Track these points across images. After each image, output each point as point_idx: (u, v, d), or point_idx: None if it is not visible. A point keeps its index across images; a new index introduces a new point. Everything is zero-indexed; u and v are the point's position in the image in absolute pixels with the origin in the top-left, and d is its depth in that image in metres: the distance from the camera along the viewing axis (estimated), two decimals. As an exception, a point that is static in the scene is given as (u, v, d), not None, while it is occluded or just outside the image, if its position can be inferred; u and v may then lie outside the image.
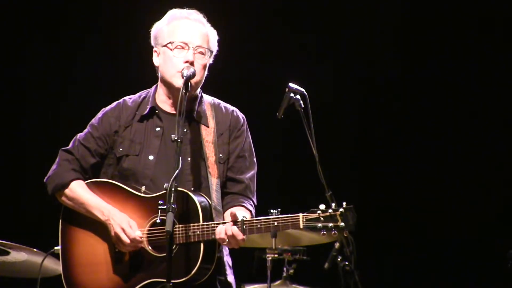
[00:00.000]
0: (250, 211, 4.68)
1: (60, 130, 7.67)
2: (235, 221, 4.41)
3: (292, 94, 4.57)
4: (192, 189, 4.62)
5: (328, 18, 7.97)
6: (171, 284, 4.22)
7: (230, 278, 4.72)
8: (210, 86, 4.86)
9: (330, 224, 4.28)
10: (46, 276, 5.44)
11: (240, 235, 4.40)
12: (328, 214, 4.29)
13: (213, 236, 4.43)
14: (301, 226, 4.33)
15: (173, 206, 4.25)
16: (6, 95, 7.76)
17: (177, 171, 4.29)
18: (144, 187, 4.64)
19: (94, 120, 4.82)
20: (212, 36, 4.75)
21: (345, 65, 7.98)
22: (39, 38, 7.79)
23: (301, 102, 4.55)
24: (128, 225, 4.52)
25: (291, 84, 4.59)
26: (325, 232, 4.27)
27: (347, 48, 7.99)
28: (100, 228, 4.61)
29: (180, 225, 4.46)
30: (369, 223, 7.70)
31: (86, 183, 4.71)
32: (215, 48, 4.77)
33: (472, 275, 7.71)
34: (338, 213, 4.27)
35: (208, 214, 4.52)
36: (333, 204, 4.30)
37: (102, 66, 7.80)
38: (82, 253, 4.65)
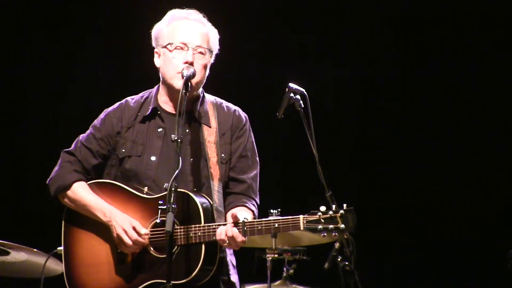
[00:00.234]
0: (253, 211, 4.68)
1: (60, 130, 7.67)
2: (235, 223, 4.41)
3: (292, 94, 4.56)
4: (195, 189, 4.62)
5: (328, 18, 7.97)
6: (171, 284, 4.22)
7: (234, 277, 4.72)
8: (210, 86, 4.86)
9: (331, 226, 4.29)
10: (46, 276, 5.44)
11: (240, 237, 4.40)
12: (328, 216, 4.30)
13: (214, 238, 4.43)
14: (302, 228, 4.34)
15: (173, 206, 4.24)
16: (6, 95, 7.76)
17: (177, 171, 4.29)
18: (146, 188, 4.64)
19: (96, 121, 4.82)
20: (212, 36, 4.75)
21: (345, 65, 7.97)
22: (39, 38, 7.79)
23: (301, 102, 4.55)
24: (130, 226, 4.52)
25: (291, 84, 4.59)
26: (325, 234, 4.29)
27: (347, 48, 7.99)
28: (102, 229, 4.62)
29: (181, 226, 4.46)
30: (369, 223, 7.70)
31: (88, 184, 4.71)
32: (216, 47, 4.76)
33: (472, 275, 7.71)
34: (338, 215, 4.28)
35: (210, 215, 4.52)
36: (334, 206, 4.31)
37: (102, 66, 7.80)
38: (85, 254, 4.66)
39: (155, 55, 4.77)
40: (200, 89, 4.80)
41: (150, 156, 4.70)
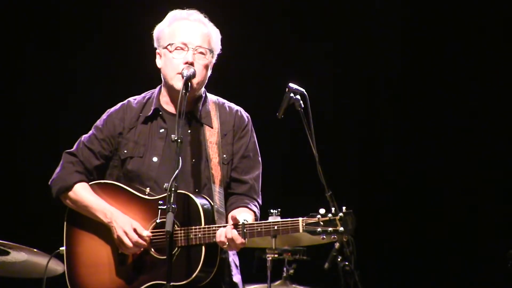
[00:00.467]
0: (254, 212, 4.68)
1: (60, 130, 7.66)
2: (235, 225, 4.41)
3: (292, 94, 4.56)
4: (197, 190, 4.62)
5: (328, 18, 7.97)
6: (171, 285, 4.22)
7: (236, 278, 4.72)
8: (210, 86, 4.86)
9: (330, 229, 4.30)
10: (47, 276, 5.43)
11: (239, 239, 4.40)
12: (327, 218, 4.30)
13: (214, 239, 4.43)
14: (301, 231, 4.35)
15: (173, 206, 4.24)
16: (7, 95, 7.76)
17: (177, 171, 4.29)
18: (148, 188, 4.64)
19: (98, 122, 4.82)
20: (214, 36, 4.74)
21: (345, 65, 7.97)
22: (39, 38, 7.79)
23: (301, 102, 4.55)
24: (131, 227, 4.52)
25: (291, 84, 4.58)
26: (324, 237, 4.29)
27: (347, 48, 7.98)
28: (103, 230, 4.62)
29: (182, 228, 4.46)
30: (369, 223, 7.70)
31: (90, 185, 4.71)
32: (217, 47, 4.76)
33: (472, 275, 7.70)
34: (337, 217, 4.29)
35: (210, 217, 4.52)
36: (333, 209, 4.31)
37: (102, 67, 7.80)
38: (86, 254, 4.66)
39: (157, 56, 4.77)
40: (202, 89, 4.79)
41: (152, 157, 4.69)
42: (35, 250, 5.37)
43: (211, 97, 4.85)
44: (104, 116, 4.83)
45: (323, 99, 7.60)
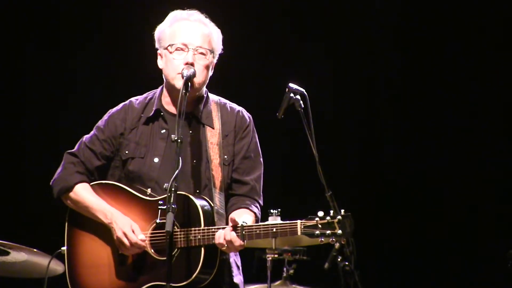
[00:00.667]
0: (255, 213, 4.68)
1: (60, 130, 7.66)
2: (234, 226, 4.41)
3: (292, 94, 4.56)
4: (197, 191, 4.62)
5: (328, 18, 7.97)
6: (170, 285, 4.23)
7: (237, 279, 4.72)
8: (210, 86, 4.86)
9: (328, 232, 4.30)
10: (45, 276, 5.43)
11: (237, 241, 4.40)
12: (325, 221, 4.31)
13: (213, 241, 4.43)
14: (299, 233, 4.35)
15: (173, 206, 4.24)
16: (7, 95, 7.76)
17: (177, 171, 4.29)
18: (149, 189, 4.64)
19: (100, 122, 4.81)
20: (215, 36, 4.74)
21: (345, 65, 7.97)
22: (39, 38, 7.79)
23: (301, 102, 4.55)
24: (130, 229, 4.52)
25: (291, 84, 4.58)
26: (323, 239, 4.30)
27: (347, 48, 7.98)
28: (104, 230, 4.62)
29: (182, 229, 4.46)
30: (369, 223, 7.70)
31: (91, 185, 4.72)
32: (219, 47, 4.75)
33: (472, 275, 7.70)
34: (335, 220, 4.29)
35: (210, 218, 4.51)
36: (331, 211, 4.31)
37: (102, 67, 7.80)
38: (86, 255, 4.66)
39: (158, 57, 4.77)
40: (204, 90, 4.79)
41: (153, 157, 4.69)
42: (35, 250, 5.37)
43: (213, 98, 4.84)
44: (105, 116, 4.83)
45: (323, 99, 7.59)
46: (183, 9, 4.78)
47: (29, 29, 7.74)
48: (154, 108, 4.77)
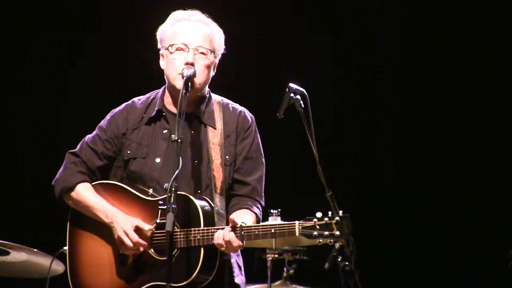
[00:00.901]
0: (256, 213, 4.67)
1: (60, 130, 7.66)
2: (233, 227, 4.41)
3: (292, 94, 4.56)
4: (198, 192, 4.62)
5: (329, 18, 7.97)
6: (170, 285, 4.23)
7: (238, 279, 4.71)
8: (210, 86, 4.85)
9: (326, 233, 4.30)
10: (45, 276, 5.43)
11: (236, 242, 4.40)
12: (323, 222, 4.31)
13: (212, 241, 4.43)
14: (297, 234, 4.35)
15: (173, 206, 4.24)
16: (7, 95, 7.76)
17: (177, 171, 4.28)
18: (151, 189, 4.64)
19: (102, 122, 4.81)
20: (217, 36, 4.73)
21: (346, 65, 7.97)
22: (39, 38, 7.79)
23: (301, 102, 4.54)
24: (131, 228, 4.52)
25: (291, 84, 4.58)
26: (321, 240, 4.31)
27: (348, 48, 7.98)
28: (105, 230, 4.62)
29: (182, 230, 4.46)
30: (369, 223, 7.70)
31: (93, 185, 4.72)
32: (220, 47, 4.74)
33: (472, 275, 7.70)
34: (333, 221, 4.29)
35: (210, 219, 4.51)
36: (329, 212, 4.31)
37: (102, 67, 7.80)
38: (88, 255, 4.66)
39: (160, 57, 4.76)
40: (207, 90, 4.79)
41: (155, 158, 4.69)
42: (35, 250, 5.37)
43: (215, 98, 4.84)
44: (108, 116, 4.83)
45: (323, 99, 7.59)
46: (185, 9, 4.78)
47: (29, 29, 7.74)
48: (156, 108, 4.77)
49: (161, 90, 4.84)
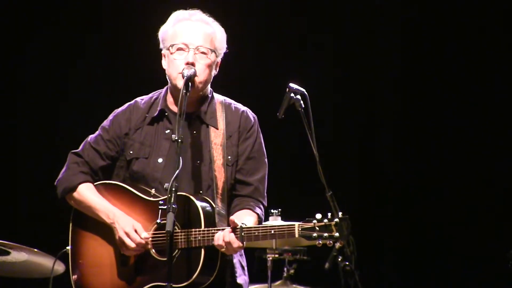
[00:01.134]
0: (258, 214, 4.66)
1: (60, 130, 7.66)
2: (233, 228, 4.41)
3: (292, 94, 4.56)
4: (200, 192, 4.61)
5: (329, 18, 7.97)
6: (171, 285, 4.23)
7: (241, 279, 4.70)
8: (210, 86, 4.85)
9: (325, 234, 4.31)
10: (46, 276, 5.43)
11: (236, 243, 4.39)
12: (323, 224, 4.31)
13: (212, 242, 4.43)
14: (297, 235, 4.35)
15: (173, 206, 4.24)
16: (7, 95, 7.76)
17: (177, 171, 4.28)
18: (154, 190, 4.64)
19: (105, 122, 4.81)
20: (218, 35, 4.72)
21: (346, 65, 7.97)
22: (39, 38, 7.79)
23: (302, 102, 4.55)
24: (132, 229, 4.52)
25: (291, 84, 4.58)
26: (320, 242, 4.31)
27: (348, 48, 7.99)
28: (107, 231, 4.62)
29: (182, 230, 4.46)
30: (369, 223, 7.71)
31: (95, 185, 4.71)
32: (222, 46, 4.73)
33: (472, 275, 7.70)
34: (333, 223, 4.29)
35: (211, 219, 4.50)
36: (329, 214, 4.31)
37: (102, 67, 7.80)
38: (89, 255, 4.66)
39: (162, 57, 4.76)
40: (209, 90, 4.78)
41: (157, 158, 4.68)
42: (35, 250, 5.37)
43: (218, 97, 4.83)
44: (110, 116, 4.82)
45: (323, 99, 7.59)
46: (186, 9, 4.78)
47: (29, 29, 7.74)
48: (158, 108, 4.76)
49: (164, 90, 4.84)
